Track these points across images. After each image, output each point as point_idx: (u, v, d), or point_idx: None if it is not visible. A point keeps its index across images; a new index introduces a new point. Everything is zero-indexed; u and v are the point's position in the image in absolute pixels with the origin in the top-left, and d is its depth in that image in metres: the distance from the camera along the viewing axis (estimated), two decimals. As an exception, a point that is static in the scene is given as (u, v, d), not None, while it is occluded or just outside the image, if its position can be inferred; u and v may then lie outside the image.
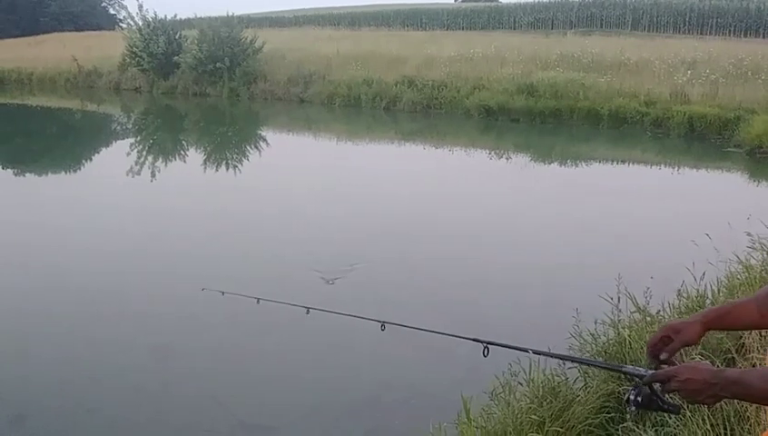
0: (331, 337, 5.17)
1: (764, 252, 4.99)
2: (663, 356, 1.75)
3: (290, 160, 13.34)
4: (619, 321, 4.01)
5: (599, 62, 18.93)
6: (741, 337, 3.62)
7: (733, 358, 3.44)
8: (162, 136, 18.02)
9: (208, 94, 22.95)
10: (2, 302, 6.10)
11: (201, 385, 4.71)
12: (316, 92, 20.80)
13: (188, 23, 27.00)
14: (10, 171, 13.30)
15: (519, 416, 3.27)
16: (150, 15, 24.77)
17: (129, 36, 24.58)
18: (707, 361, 1.90)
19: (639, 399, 1.69)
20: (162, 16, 25.04)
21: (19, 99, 24.97)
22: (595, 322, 4.03)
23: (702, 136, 14.63)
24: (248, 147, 16.14)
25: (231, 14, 24.48)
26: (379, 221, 8.73)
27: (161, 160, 14.36)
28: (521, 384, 3.58)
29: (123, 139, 17.81)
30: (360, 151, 15.37)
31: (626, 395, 1.72)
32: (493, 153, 14.81)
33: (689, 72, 17.19)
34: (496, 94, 17.53)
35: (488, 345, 1.99)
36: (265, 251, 7.47)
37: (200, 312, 5.76)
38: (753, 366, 2.97)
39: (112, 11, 51.95)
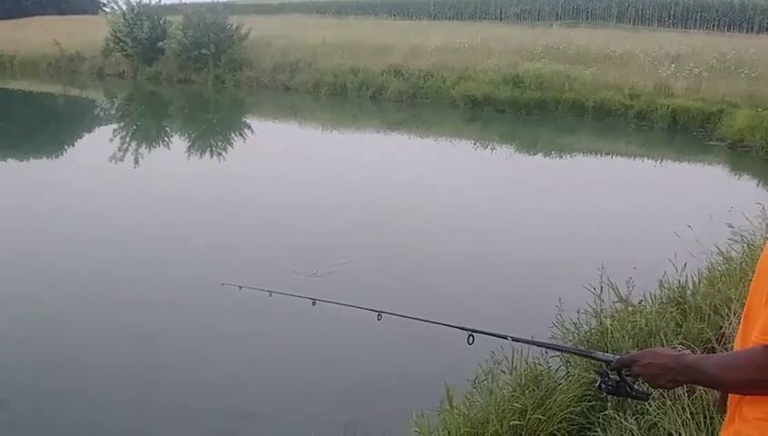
0: (325, 328, 5.19)
1: (745, 245, 5.06)
2: None
3: (274, 149, 13.25)
4: (601, 310, 4.05)
5: (585, 54, 18.99)
6: (721, 327, 3.67)
7: (714, 348, 3.49)
8: (146, 123, 17.85)
9: (193, 81, 22.73)
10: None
11: (188, 371, 4.71)
12: (302, 80, 20.68)
13: (173, 8, 26.70)
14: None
15: (502, 404, 3.29)
16: (134, 0, 24.44)
17: (112, 21, 24.24)
18: (672, 348, 1.95)
19: (609, 385, 1.78)
20: (147, 1, 24.76)
21: (0, 83, 24.57)
22: (578, 312, 4.06)
23: (685, 129, 14.76)
24: (233, 135, 16.03)
25: (216, 0, 24.25)
26: (362, 211, 8.71)
27: (144, 146, 14.23)
28: (504, 372, 3.61)
29: (107, 125, 17.63)
30: (346, 140, 15.33)
31: (598, 381, 1.82)
32: (478, 143, 14.83)
33: (673, 65, 17.30)
34: (481, 84, 17.54)
35: (473, 333, 2.12)
36: (246, 240, 7.44)
37: (189, 299, 5.76)
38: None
39: (95, -5, 51.20)
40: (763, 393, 1.54)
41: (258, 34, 23.15)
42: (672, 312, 3.97)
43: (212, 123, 17.46)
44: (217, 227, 7.88)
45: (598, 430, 3.18)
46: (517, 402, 3.26)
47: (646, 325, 3.75)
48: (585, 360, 3.67)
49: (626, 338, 3.64)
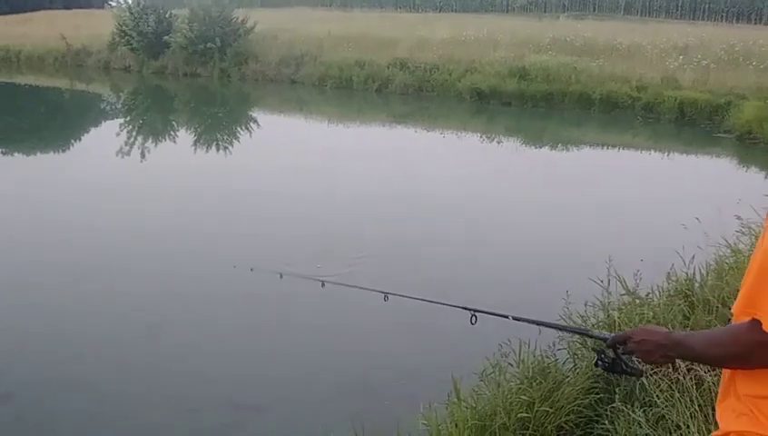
0: (331, 317, 5.21)
1: (753, 237, 5.03)
2: None
3: (280, 143, 13.25)
4: (609, 303, 4.04)
5: (591, 46, 18.89)
6: (729, 320, 3.64)
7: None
8: (153, 117, 17.87)
9: (198, 75, 22.73)
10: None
11: (192, 362, 4.74)
12: (307, 73, 20.65)
13: (178, 2, 26.63)
14: (-1, 149, 13.18)
15: (509, 396, 3.30)
16: (140, -6, 24.43)
17: (118, 15, 24.25)
18: (664, 327, 2.01)
19: (605, 362, 1.87)
20: (152, -5, 24.73)
21: (7, 77, 24.63)
22: (585, 304, 4.06)
23: (692, 122, 14.68)
24: (239, 129, 16.03)
25: (221, -7, 24.18)
26: (368, 202, 8.72)
27: (151, 140, 14.24)
28: (511, 365, 3.61)
29: (113, 119, 17.65)
30: (352, 133, 15.31)
31: (594, 359, 1.91)
32: (484, 136, 14.79)
33: (681, 57, 17.19)
34: (488, 77, 17.48)
35: (475, 313, 2.23)
36: (252, 232, 7.45)
37: (193, 290, 5.79)
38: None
39: (101, -11, 51.17)
40: (747, 367, 1.56)
41: (263, 27, 23.12)
42: (679, 305, 3.95)
43: (218, 116, 17.47)
44: (222, 218, 7.91)
45: (606, 422, 3.17)
46: (525, 395, 3.26)
47: (654, 318, 3.74)
48: (592, 352, 3.68)
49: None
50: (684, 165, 12.38)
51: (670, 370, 3.20)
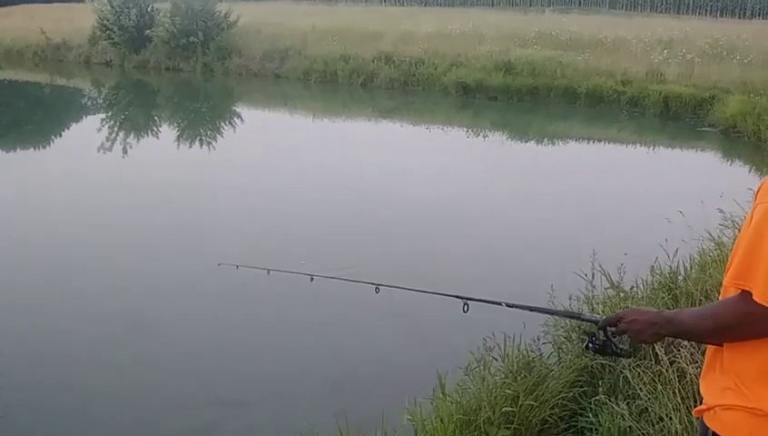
0: (318, 314, 5.18)
1: (736, 230, 5.05)
2: None
3: (268, 138, 13.16)
4: (593, 297, 4.04)
5: (577, 40, 18.92)
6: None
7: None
8: (135, 112, 17.68)
9: (181, 69, 22.50)
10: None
11: (179, 360, 4.70)
12: (292, 67, 20.52)
13: (160, -5, 26.36)
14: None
15: (494, 390, 3.29)
16: (121, -13, 24.11)
17: (99, 9, 23.90)
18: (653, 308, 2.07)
19: (596, 344, 1.91)
20: (134, -12, 24.41)
21: (-14, 72, 24.30)
22: (570, 299, 4.05)
23: (677, 116, 14.74)
24: (223, 124, 15.91)
25: (204, -14, 23.94)
26: (354, 197, 8.67)
27: (133, 136, 14.10)
28: (496, 359, 3.60)
29: (95, 114, 17.45)
30: (337, 128, 15.25)
31: (585, 342, 1.96)
32: (470, 130, 14.78)
33: (665, 51, 17.26)
34: (473, 71, 17.45)
35: (467, 302, 2.26)
36: (236, 227, 7.39)
37: (179, 287, 5.73)
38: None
39: (82, -18, 50.57)
40: (737, 339, 1.58)
41: (247, 21, 22.92)
42: (663, 298, 3.96)
43: (202, 112, 17.32)
44: (206, 214, 7.85)
45: (590, 415, 3.17)
46: (509, 389, 3.25)
47: (638, 311, 3.73)
48: (576, 345, 3.68)
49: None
50: (668, 159, 12.45)
51: (653, 363, 3.20)
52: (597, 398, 3.20)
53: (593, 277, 4.10)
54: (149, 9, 23.69)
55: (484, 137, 14.23)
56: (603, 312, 3.79)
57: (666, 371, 3.07)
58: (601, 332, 1.89)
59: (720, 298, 1.67)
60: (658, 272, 4.41)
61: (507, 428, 3.10)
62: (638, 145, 13.56)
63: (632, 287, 4.15)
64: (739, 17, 31.46)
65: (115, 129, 14.50)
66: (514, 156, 12.17)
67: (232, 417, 4.12)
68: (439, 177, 9.93)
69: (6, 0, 36.92)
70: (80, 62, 24.93)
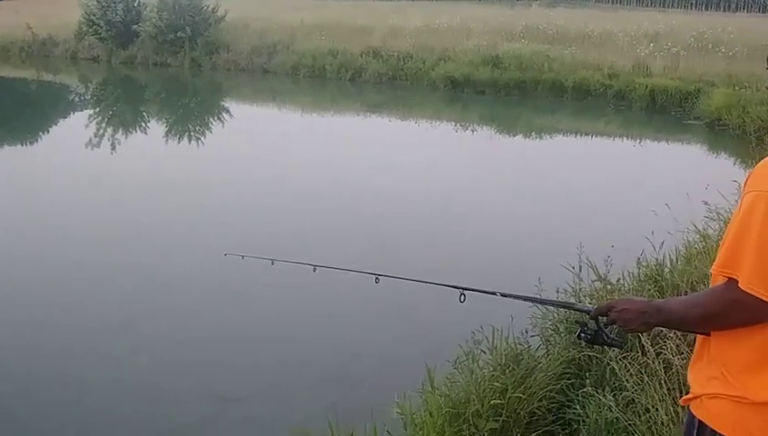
0: (317, 304, 5.21)
1: (721, 222, 5.11)
2: None
3: (257, 133, 13.12)
4: (580, 289, 4.08)
5: (564, 34, 18.99)
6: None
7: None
8: (123, 108, 17.58)
9: (169, 65, 22.36)
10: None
11: (171, 352, 4.72)
12: (280, 62, 20.45)
13: (147, -10, 26.14)
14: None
15: (482, 383, 3.31)
16: (107, -19, 23.89)
17: (86, 3, 23.67)
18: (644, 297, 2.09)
19: (587, 333, 1.93)
20: (120, -17, 24.19)
21: (-30, 68, 24.03)
22: (557, 291, 4.08)
23: (663, 109, 14.84)
24: (211, 119, 15.85)
25: (192, -19, 23.77)
26: (345, 193, 8.68)
27: (121, 132, 14.01)
28: (484, 353, 3.63)
29: (82, 110, 17.33)
30: (326, 123, 15.22)
31: (577, 331, 1.98)
32: (459, 124, 14.82)
33: (651, 44, 17.36)
34: (461, 65, 17.48)
35: (464, 291, 2.28)
36: (227, 222, 7.39)
37: (174, 282, 5.74)
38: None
39: (67, -23, 50.06)
40: (725, 327, 1.60)
41: (235, 15, 22.81)
42: (649, 290, 4.01)
43: (190, 107, 17.24)
44: (197, 209, 7.84)
45: (577, 407, 3.21)
46: (498, 382, 3.28)
47: (625, 303, 3.78)
48: (565, 338, 3.72)
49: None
50: (654, 152, 12.54)
51: (639, 354, 3.25)
52: (585, 390, 3.24)
53: (580, 270, 4.13)
54: (136, 4, 23.50)
55: (472, 131, 14.27)
56: (590, 304, 3.81)
57: (653, 362, 3.11)
58: (593, 322, 1.92)
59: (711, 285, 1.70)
60: (644, 264, 4.45)
61: (496, 420, 3.13)
62: (625, 139, 13.65)
63: (618, 279, 4.19)
64: (724, 10, 31.63)
65: (103, 125, 14.41)
66: (502, 150, 12.21)
67: (224, 412, 4.14)
68: (428, 171, 9.95)
69: (-10, -5, 36.44)
70: (66, 57, 24.70)
